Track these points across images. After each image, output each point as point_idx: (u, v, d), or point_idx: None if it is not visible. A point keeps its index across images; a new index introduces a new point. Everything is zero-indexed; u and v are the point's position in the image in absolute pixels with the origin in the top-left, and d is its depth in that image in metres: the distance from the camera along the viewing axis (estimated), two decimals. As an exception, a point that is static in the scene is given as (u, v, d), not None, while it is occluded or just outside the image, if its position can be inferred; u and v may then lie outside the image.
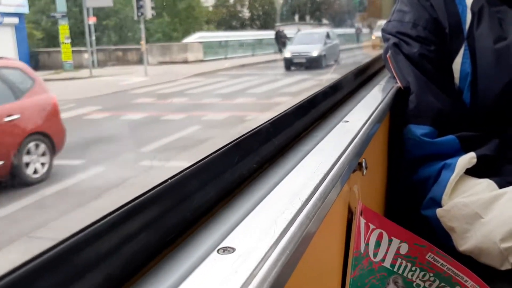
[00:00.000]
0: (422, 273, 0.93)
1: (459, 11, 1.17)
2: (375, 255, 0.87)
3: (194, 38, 24.91)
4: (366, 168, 0.79)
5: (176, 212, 0.48)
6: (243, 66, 19.72)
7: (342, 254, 0.77)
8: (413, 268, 0.92)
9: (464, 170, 1.06)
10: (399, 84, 1.18)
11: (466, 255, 1.03)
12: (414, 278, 0.93)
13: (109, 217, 0.41)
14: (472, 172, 1.07)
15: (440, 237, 1.06)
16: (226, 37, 26.63)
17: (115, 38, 23.33)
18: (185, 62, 20.43)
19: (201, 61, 21.25)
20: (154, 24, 24.45)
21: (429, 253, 0.92)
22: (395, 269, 0.90)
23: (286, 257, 0.45)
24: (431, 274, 0.93)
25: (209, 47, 23.11)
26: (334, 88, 1.05)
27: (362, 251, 0.83)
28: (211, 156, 0.57)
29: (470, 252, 1.02)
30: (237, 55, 24.07)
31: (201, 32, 27.20)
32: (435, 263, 0.92)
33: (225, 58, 22.82)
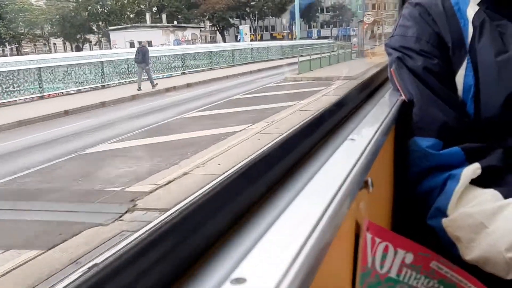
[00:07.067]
0: (427, 280, 0.95)
1: (461, 25, 1.19)
2: (381, 267, 0.88)
3: None
4: (372, 186, 0.80)
5: (189, 242, 0.49)
6: None
7: (351, 273, 0.77)
8: (418, 276, 0.94)
9: (469, 181, 1.07)
10: (403, 97, 1.19)
11: (472, 264, 1.04)
12: (419, 285, 0.95)
13: (124, 253, 0.42)
14: (478, 182, 1.07)
15: (446, 247, 1.07)
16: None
17: None
18: None
19: None
20: None
21: (433, 261, 0.93)
22: (401, 279, 0.92)
23: (297, 286, 0.46)
24: (436, 281, 0.95)
25: None
26: (339, 105, 1.06)
27: (369, 265, 0.84)
28: (222, 183, 0.58)
29: (476, 261, 1.03)
30: None
31: None
32: (439, 270, 0.94)
33: None
